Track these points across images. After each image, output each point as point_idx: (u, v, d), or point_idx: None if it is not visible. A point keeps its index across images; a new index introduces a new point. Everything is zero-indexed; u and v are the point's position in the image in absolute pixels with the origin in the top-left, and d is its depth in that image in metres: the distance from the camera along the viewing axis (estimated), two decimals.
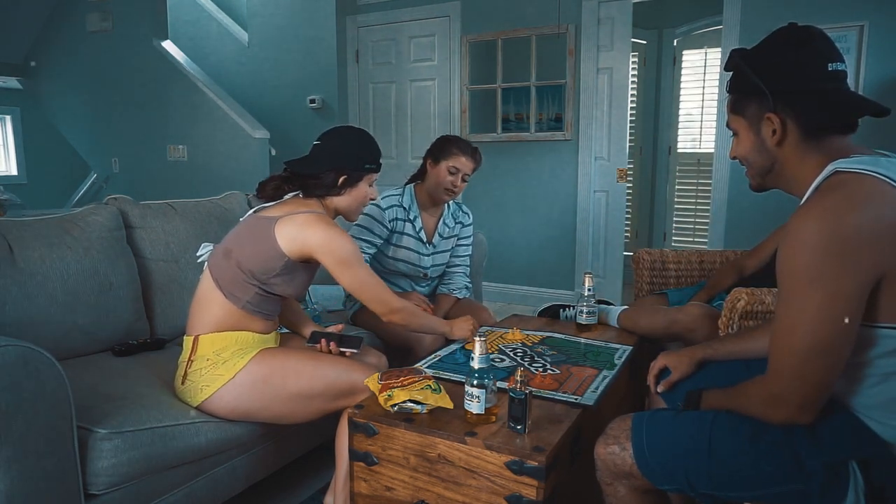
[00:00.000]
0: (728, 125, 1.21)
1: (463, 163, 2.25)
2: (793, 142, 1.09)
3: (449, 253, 2.47)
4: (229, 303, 1.60)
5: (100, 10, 5.28)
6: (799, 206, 1.04)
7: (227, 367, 1.57)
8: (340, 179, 1.68)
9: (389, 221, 2.28)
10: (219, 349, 1.59)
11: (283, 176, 1.72)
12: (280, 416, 1.63)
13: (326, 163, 1.67)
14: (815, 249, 0.95)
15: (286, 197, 1.71)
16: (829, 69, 1.06)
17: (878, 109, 1.06)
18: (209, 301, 1.61)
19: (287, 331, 1.94)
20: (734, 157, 1.22)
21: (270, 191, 1.71)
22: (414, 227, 2.33)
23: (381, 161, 1.76)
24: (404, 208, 2.31)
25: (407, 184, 2.39)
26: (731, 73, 1.17)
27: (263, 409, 1.60)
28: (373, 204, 2.22)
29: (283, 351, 1.68)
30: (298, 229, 1.58)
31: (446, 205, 2.43)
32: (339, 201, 1.72)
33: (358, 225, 2.25)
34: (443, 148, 2.28)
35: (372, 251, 2.27)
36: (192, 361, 1.60)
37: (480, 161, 2.33)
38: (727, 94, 1.20)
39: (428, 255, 2.37)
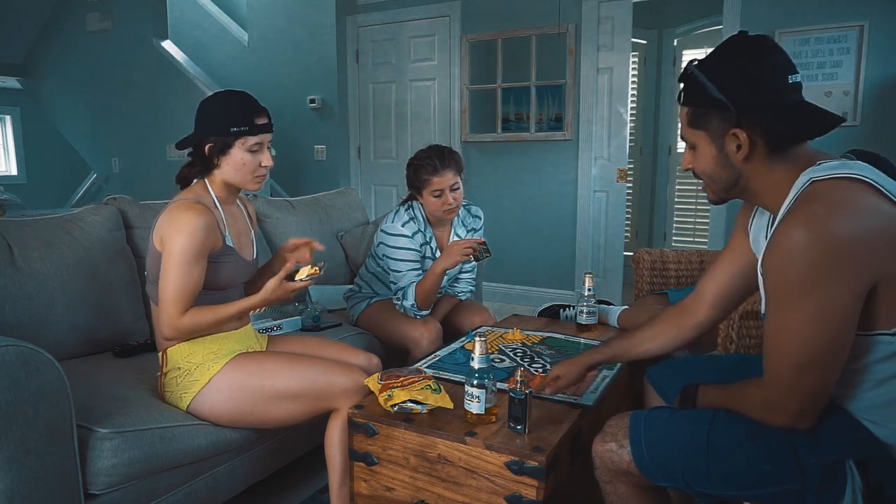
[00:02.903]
0: (682, 137, 1.17)
1: (439, 181, 2.10)
2: (759, 156, 1.07)
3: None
4: None
5: (100, 10, 5.28)
6: (780, 217, 1.03)
7: (202, 370, 1.56)
8: (206, 148, 1.55)
9: (421, 246, 2.22)
10: (187, 355, 1.57)
11: (187, 162, 1.63)
12: (264, 421, 1.61)
13: (196, 134, 1.56)
14: (805, 261, 0.94)
15: (193, 183, 1.64)
16: (790, 81, 1.05)
17: (839, 120, 1.05)
18: (157, 317, 1.59)
19: (278, 332, 1.93)
20: (689, 169, 1.19)
21: (181, 180, 1.64)
22: (431, 248, 2.28)
23: (259, 122, 1.56)
24: (422, 232, 2.23)
25: (406, 202, 2.28)
26: (683, 84, 1.13)
27: (247, 414, 1.58)
28: (402, 236, 2.16)
29: (261, 354, 1.66)
30: (159, 221, 1.54)
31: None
32: (223, 174, 1.59)
33: (396, 259, 2.17)
34: (415, 178, 2.16)
35: (418, 269, 2.19)
36: (165, 374, 1.59)
37: (458, 160, 2.16)
38: (681, 106, 1.15)
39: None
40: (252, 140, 1.56)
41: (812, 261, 0.94)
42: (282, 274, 1.56)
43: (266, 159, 1.61)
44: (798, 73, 1.06)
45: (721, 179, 1.13)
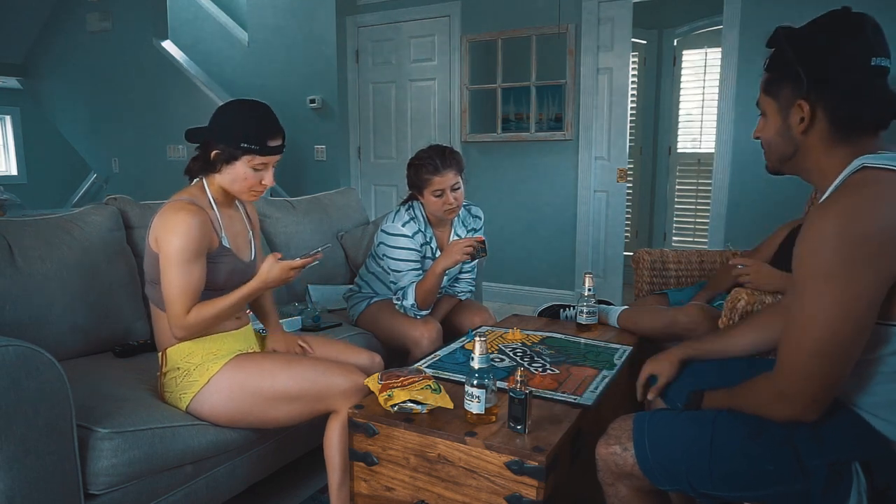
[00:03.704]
0: (757, 104, 1.17)
1: (440, 181, 2.10)
2: (820, 132, 1.06)
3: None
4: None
5: (100, 10, 5.28)
6: (821, 200, 1.01)
7: (201, 371, 1.56)
8: (212, 154, 1.56)
9: (421, 246, 2.22)
10: (187, 355, 1.57)
11: (194, 156, 1.62)
12: (264, 421, 1.61)
13: (206, 134, 1.58)
14: (835, 248, 0.93)
15: (194, 182, 1.64)
16: (873, 64, 1.01)
17: None
18: (159, 318, 1.59)
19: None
20: (757, 138, 1.18)
21: (188, 172, 1.64)
22: (431, 248, 2.28)
23: (271, 144, 1.56)
24: (422, 232, 2.23)
25: (406, 202, 2.28)
26: (771, 49, 1.11)
27: (247, 414, 1.57)
28: (402, 236, 2.17)
29: (260, 355, 1.66)
30: (154, 222, 1.54)
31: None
32: (221, 179, 1.59)
33: (397, 259, 2.18)
34: (416, 178, 2.15)
35: (419, 269, 2.20)
36: (164, 374, 1.59)
37: (459, 160, 2.16)
38: (763, 72, 1.14)
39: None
40: (259, 159, 1.56)
41: (841, 250, 0.93)
42: (273, 255, 1.56)
43: (268, 178, 1.60)
44: (887, 56, 1.02)
45: (777, 149, 1.13)
